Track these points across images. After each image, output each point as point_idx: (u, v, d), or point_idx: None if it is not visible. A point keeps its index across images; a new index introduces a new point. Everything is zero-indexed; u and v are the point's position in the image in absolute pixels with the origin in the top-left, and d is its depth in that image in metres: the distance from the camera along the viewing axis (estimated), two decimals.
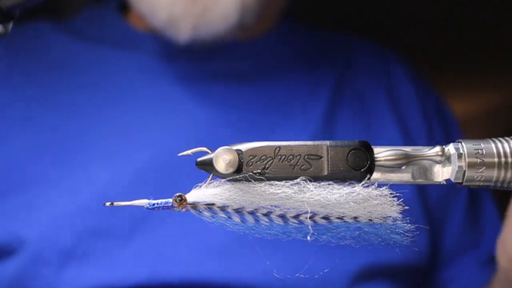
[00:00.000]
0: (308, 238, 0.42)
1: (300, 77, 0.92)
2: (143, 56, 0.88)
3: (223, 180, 0.43)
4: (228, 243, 0.76)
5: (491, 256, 0.76)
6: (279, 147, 0.43)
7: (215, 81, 0.87)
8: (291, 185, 0.42)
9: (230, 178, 0.43)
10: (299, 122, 0.86)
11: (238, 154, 0.42)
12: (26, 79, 0.87)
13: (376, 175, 0.44)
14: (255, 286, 0.74)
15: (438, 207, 0.89)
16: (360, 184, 0.42)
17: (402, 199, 0.43)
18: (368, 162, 0.43)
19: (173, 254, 0.76)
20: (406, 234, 0.43)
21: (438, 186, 0.87)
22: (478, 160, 0.44)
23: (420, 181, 0.46)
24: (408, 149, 0.45)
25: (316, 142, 0.43)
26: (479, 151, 0.44)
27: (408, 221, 0.43)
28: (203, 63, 0.88)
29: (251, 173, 0.42)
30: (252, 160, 0.43)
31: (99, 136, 0.82)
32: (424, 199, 0.86)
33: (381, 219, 0.43)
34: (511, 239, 0.61)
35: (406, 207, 0.43)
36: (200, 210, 0.44)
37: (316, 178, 0.43)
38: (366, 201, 0.42)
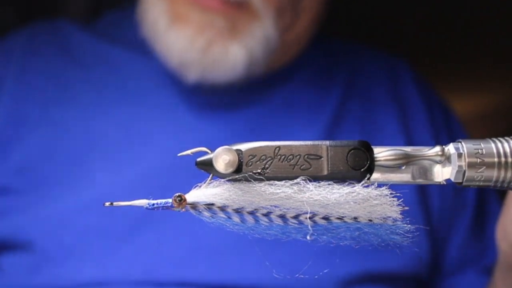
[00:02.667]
0: (308, 238, 0.42)
1: (307, 85, 0.93)
2: (159, 66, 0.89)
3: (222, 180, 0.43)
4: (224, 244, 0.77)
5: (494, 265, 0.76)
6: (279, 147, 0.43)
7: (222, 94, 0.88)
8: (291, 185, 0.42)
9: (230, 178, 0.43)
10: (303, 129, 0.87)
11: (238, 154, 0.42)
12: (44, 73, 0.90)
13: (376, 175, 0.44)
14: (250, 287, 0.75)
15: (442, 218, 0.89)
16: (360, 184, 0.42)
17: (402, 200, 0.43)
18: (368, 162, 0.43)
19: (168, 253, 0.77)
20: (406, 234, 0.43)
21: (442, 197, 0.88)
22: (478, 160, 0.44)
23: (420, 181, 0.46)
24: (408, 149, 0.45)
25: (316, 142, 0.43)
26: (479, 151, 0.44)
27: (408, 221, 0.43)
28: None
29: (250, 173, 0.42)
30: (251, 160, 0.43)
31: (106, 136, 0.85)
32: (426, 208, 0.86)
33: (381, 220, 0.43)
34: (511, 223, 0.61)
35: (406, 208, 0.43)
36: (200, 210, 0.44)
37: (315, 178, 0.43)
38: (366, 201, 0.42)
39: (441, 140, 0.92)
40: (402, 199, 0.43)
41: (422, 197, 0.86)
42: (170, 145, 0.83)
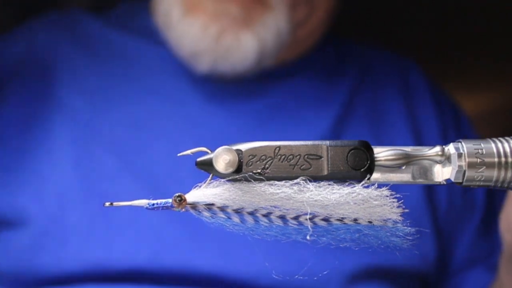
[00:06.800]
0: (308, 238, 0.42)
1: (316, 80, 0.93)
2: (171, 56, 0.89)
3: (222, 180, 0.43)
4: (230, 234, 0.77)
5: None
6: (279, 147, 0.43)
7: (232, 85, 0.89)
8: (291, 185, 0.42)
9: (230, 178, 0.43)
10: (309, 126, 0.88)
11: (238, 154, 0.42)
12: (64, 61, 0.90)
13: (376, 175, 0.44)
14: (252, 279, 0.75)
15: (450, 218, 0.89)
16: (360, 184, 0.42)
17: (403, 202, 0.43)
18: (368, 162, 0.43)
19: (174, 240, 0.77)
20: (406, 237, 0.43)
21: (451, 196, 0.88)
22: (478, 160, 0.43)
23: (420, 181, 0.46)
24: (408, 149, 0.44)
25: (316, 142, 0.43)
26: (479, 151, 0.44)
27: (408, 224, 0.43)
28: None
29: (250, 173, 0.42)
30: (252, 160, 0.43)
31: (116, 126, 0.85)
32: (433, 207, 0.86)
33: (381, 221, 0.43)
34: None
35: (406, 210, 0.43)
36: (200, 210, 0.44)
37: (316, 178, 0.42)
38: (366, 202, 0.42)
39: (450, 139, 0.93)
40: (408, 199, 0.43)
41: (428, 197, 0.86)
42: (180, 136, 0.84)
